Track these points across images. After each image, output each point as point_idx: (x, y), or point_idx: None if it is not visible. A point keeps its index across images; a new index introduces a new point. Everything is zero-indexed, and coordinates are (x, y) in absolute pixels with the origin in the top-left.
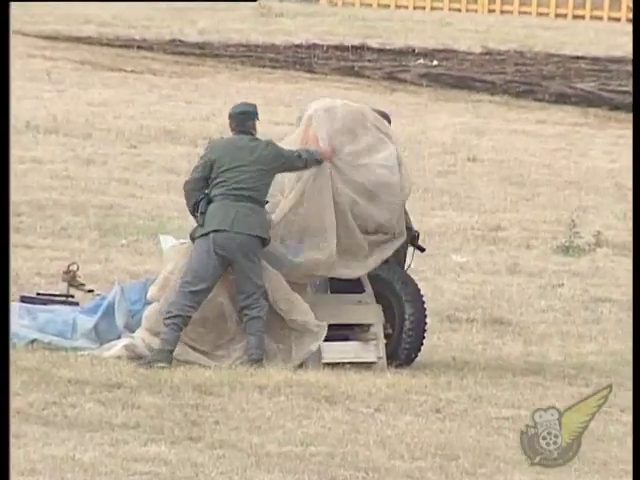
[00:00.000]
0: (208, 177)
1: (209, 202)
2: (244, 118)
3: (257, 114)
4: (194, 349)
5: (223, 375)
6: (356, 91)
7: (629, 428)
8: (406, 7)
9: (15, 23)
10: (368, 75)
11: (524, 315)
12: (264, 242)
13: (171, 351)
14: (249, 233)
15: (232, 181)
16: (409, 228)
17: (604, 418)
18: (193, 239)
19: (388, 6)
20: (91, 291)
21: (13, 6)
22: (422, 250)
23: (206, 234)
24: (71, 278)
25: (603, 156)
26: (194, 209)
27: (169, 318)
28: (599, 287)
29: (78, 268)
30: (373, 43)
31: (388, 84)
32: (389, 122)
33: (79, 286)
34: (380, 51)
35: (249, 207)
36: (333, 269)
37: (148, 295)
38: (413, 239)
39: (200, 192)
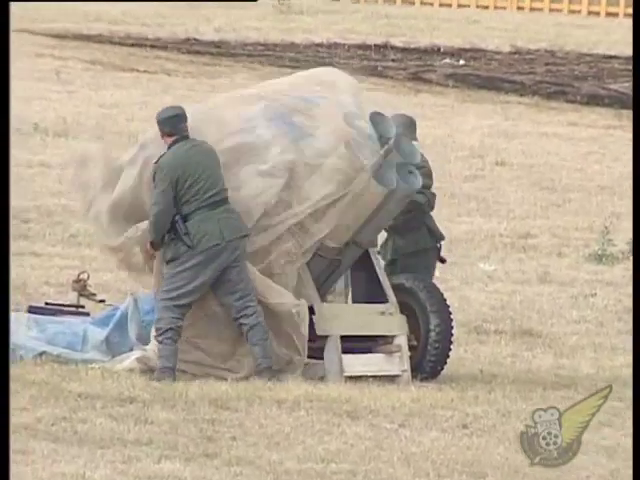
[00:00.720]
0: (175, 197)
1: (184, 219)
2: (177, 121)
3: (186, 116)
4: (200, 364)
5: (240, 389)
6: (379, 92)
7: None
8: (431, 4)
9: (22, 21)
10: (392, 75)
11: (555, 326)
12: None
13: (173, 367)
14: (237, 236)
15: (202, 192)
16: (437, 236)
17: None
18: (174, 260)
19: (413, 3)
20: (102, 301)
21: (19, 3)
22: (443, 261)
23: (199, 252)
24: (81, 287)
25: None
26: (169, 233)
27: (161, 334)
28: None
29: (88, 277)
30: (397, 42)
31: (413, 85)
32: (414, 127)
33: (90, 296)
34: (404, 50)
35: (225, 209)
36: None
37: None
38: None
39: (171, 215)
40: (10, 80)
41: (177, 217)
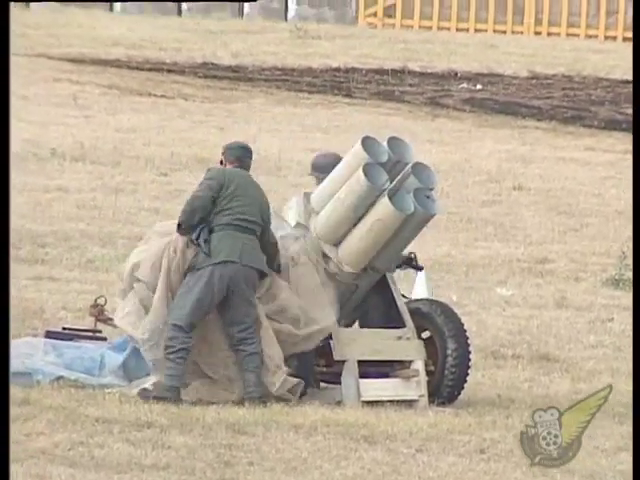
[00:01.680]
0: (215, 200)
1: (210, 231)
2: (245, 154)
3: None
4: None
5: (257, 414)
6: (396, 117)
7: None
8: (448, 29)
9: (39, 46)
10: (409, 100)
11: (572, 351)
12: (262, 276)
13: (179, 387)
14: (255, 266)
15: (237, 210)
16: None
17: None
18: (191, 269)
19: (430, 28)
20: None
21: (37, 28)
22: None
23: (214, 264)
24: (98, 312)
25: None
26: (195, 235)
27: (173, 353)
28: None
29: (106, 302)
30: (414, 66)
31: (430, 109)
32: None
33: (107, 321)
34: (421, 75)
35: (251, 239)
36: None
37: (139, 274)
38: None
39: (206, 212)
40: (10, 80)
41: (203, 225)
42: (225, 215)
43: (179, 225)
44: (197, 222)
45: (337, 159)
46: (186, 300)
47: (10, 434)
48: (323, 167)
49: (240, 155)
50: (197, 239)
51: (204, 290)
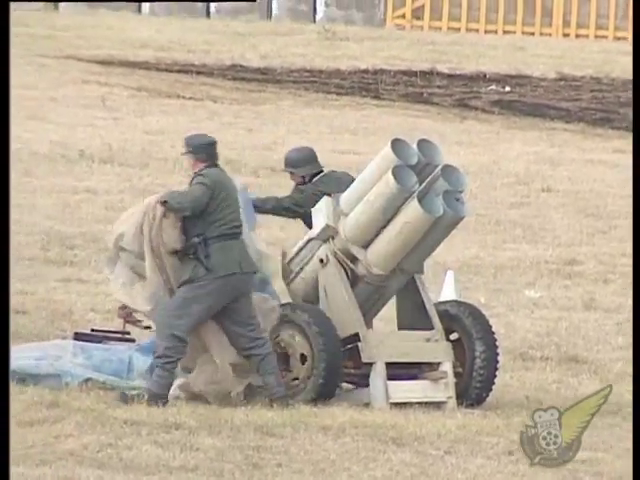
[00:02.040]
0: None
1: (206, 244)
2: (214, 149)
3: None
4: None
5: (286, 416)
6: (425, 119)
7: None
8: (477, 30)
9: (68, 48)
10: (437, 102)
11: (601, 353)
12: None
13: (166, 395)
14: (252, 271)
15: (229, 219)
16: None
17: None
18: (190, 281)
19: (458, 30)
20: (148, 327)
21: (66, 30)
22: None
23: (215, 278)
24: (127, 314)
25: None
26: (187, 255)
27: (170, 363)
28: None
29: None
30: (443, 68)
31: (458, 111)
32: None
33: (135, 323)
34: (450, 77)
35: (242, 242)
36: None
37: (124, 243)
38: None
39: (193, 215)
40: (10, 80)
41: (199, 239)
42: (219, 226)
43: (164, 202)
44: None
45: (311, 153)
46: (187, 312)
47: (10, 434)
48: (296, 162)
49: (211, 152)
50: (195, 253)
51: (205, 305)
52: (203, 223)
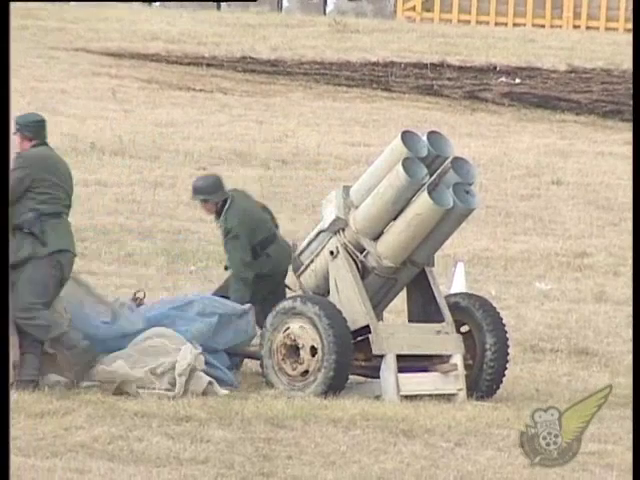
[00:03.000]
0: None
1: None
2: (43, 127)
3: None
4: None
5: (296, 408)
6: (435, 111)
7: None
8: (487, 23)
9: (79, 40)
10: (448, 94)
11: (611, 345)
12: None
13: (37, 378)
14: (75, 252)
15: (57, 197)
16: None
17: None
18: (26, 260)
19: (468, 22)
20: None
21: (76, 22)
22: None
23: (51, 253)
24: (140, 303)
25: None
26: (21, 230)
27: (36, 347)
28: None
29: (145, 296)
30: (453, 60)
31: (469, 103)
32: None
33: None
34: (460, 69)
35: (70, 224)
36: None
37: None
38: None
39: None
40: (10, 79)
41: (34, 214)
42: (51, 204)
43: None
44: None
45: (217, 180)
46: (32, 290)
47: (10, 433)
48: (202, 189)
49: (38, 130)
50: (30, 228)
51: (42, 279)
52: (35, 199)
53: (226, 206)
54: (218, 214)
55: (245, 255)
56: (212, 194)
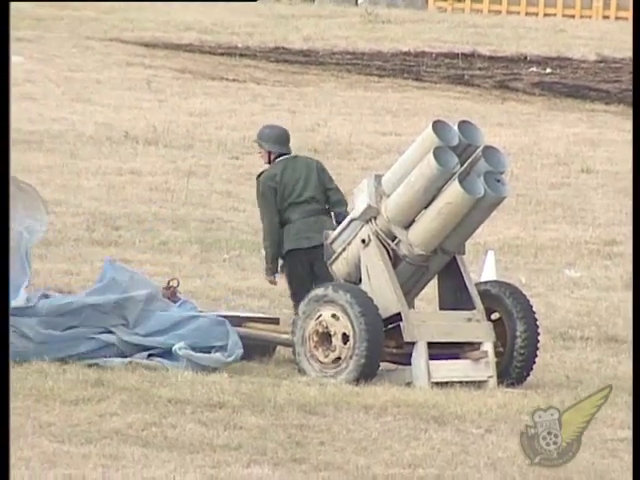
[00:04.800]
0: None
1: None
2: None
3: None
4: None
5: (328, 394)
6: (466, 100)
7: None
8: (518, 13)
9: (113, 30)
10: (478, 84)
11: None
12: None
13: None
14: None
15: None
16: None
17: None
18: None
19: (499, 12)
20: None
21: (111, 12)
22: None
23: None
24: (171, 294)
25: None
26: None
27: None
28: None
29: (178, 284)
30: (484, 50)
31: (499, 93)
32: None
33: (178, 301)
34: (491, 59)
35: None
36: None
37: None
38: None
39: None
40: (10, 79)
41: None
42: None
43: None
44: None
45: (285, 133)
46: None
47: (10, 433)
48: (268, 137)
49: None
50: None
51: None
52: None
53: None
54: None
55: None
56: (273, 144)
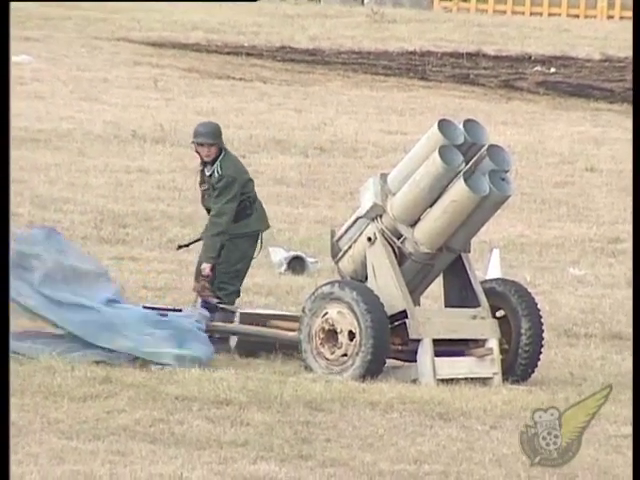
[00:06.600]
0: None
1: None
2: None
3: None
4: None
5: (334, 391)
6: (471, 100)
7: None
8: (522, 13)
9: (121, 30)
10: (483, 83)
11: None
12: None
13: None
14: None
15: None
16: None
17: None
18: None
19: (504, 12)
20: (220, 301)
21: (118, 12)
22: None
23: None
24: (202, 288)
25: None
26: None
27: None
28: None
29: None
30: (489, 50)
31: (504, 92)
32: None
33: (209, 296)
34: (496, 58)
35: None
36: None
37: None
38: None
39: None
40: (10, 80)
41: None
42: None
43: None
44: None
45: (219, 128)
46: None
47: (10, 432)
48: (208, 134)
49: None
50: None
51: None
52: None
53: (222, 155)
54: (211, 163)
55: (234, 206)
56: (218, 139)
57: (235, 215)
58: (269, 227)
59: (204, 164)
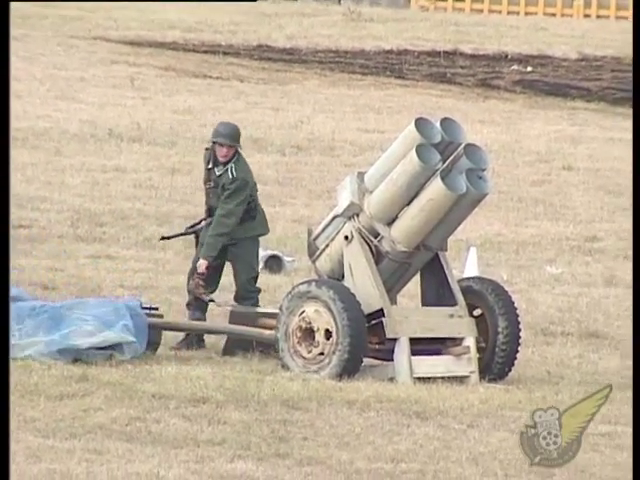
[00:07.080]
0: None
1: None
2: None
3: None
4: None
5: (311, 390)
6: (448, 98)
7: None
8: (499, 12)
9: (97, 29)
10: (460, 82)
11: (621, 328)
12: None
13: None
14: None
15: None
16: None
17: None
18: None
19: (481, 11)
20: (212, 301)
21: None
22: None
23: None
24: (196, 285)
25: None
26: None
27: None
28: None
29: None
30: (466, 49)
31: (481, 91)
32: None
33: (202, 294)
34: (473, 57)
35: None
36: None
37: None
38: None
39: None
40: (10, 80)
41: None
42: None
43: None
44: None
45: (238, 130)
46: None
47: (10, 431)
48: (229, 135)
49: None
50: None
51: None
52: None
53: (235, 157)
54: (224, 163)
55: (242, 209)
56: (236, 141)
57: (240, 218)
58: (269, 231)
59: (214, 163)
